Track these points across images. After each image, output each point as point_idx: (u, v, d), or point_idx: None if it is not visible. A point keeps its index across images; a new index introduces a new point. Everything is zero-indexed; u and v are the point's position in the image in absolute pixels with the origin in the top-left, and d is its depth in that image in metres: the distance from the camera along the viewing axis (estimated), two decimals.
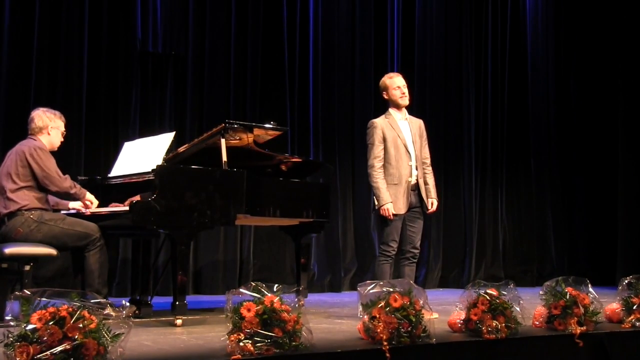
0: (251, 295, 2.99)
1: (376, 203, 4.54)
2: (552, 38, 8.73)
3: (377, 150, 4.60)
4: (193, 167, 4.17)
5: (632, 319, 3.94)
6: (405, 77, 4.82)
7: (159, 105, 6.54)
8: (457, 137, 8.04)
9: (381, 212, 4.50)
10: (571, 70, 8.77)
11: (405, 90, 4.73)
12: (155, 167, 4.00)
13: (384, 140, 4.61)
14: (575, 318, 3.67)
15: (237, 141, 4.54)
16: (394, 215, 4.51)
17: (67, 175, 4.28)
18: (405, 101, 4.73)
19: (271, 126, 4.67)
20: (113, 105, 6.32)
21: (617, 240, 8.01)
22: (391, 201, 4.50)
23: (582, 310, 3.68)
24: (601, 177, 8.57)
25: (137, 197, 4.15)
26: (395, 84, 4.71)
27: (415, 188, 4.64)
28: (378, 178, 4.56)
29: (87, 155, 6.08)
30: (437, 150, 7.48)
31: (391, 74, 4.84)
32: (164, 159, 4.23)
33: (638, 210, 7.91)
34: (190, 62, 6.69)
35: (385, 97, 4.75)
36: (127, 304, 2.84)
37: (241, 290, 3.04)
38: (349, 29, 7.55)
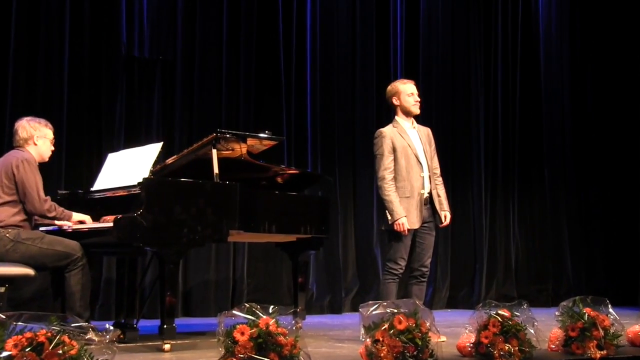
0: (245, 318, 2.99)
1: (389, 218, 4.53)
2: (566, 39, 8.76)
3: (387, 161, 4.60)
4: (182, 179, 4.17)
5: None
6: None
7: (146, 113, 6.54)
8: (465, 146, 8.05)
9: (395, 227, 4.49)
10: (588, 73, 8.79)
11: (418, 99, 4.76)
12: (141, 180, 4.00)
13: (394, 150, 4.62)
14: (595, 341, 3.66)
15: (230, 152, 4.55)
16: (407, 230, 4.52)
17: (47, 197, 4.27)
18: (418, 109, 4.77)
19: (266, 136, 4.68)
20: (96, 113, 6.32)
21: (638, 256, 8.00)
22: (405, 215, 4.50)
23: (601, 332, 3.67)
24: (620, 188, 8.56)
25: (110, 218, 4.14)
26: (409, 89, 4.74)
27: (428, 201, 4.66)
28: (390, 191, 4.55)
29: (68, 168, 6.07)
30: (444, 160, 7.43)
31: (404, 80, 4.87)
32: (151, 172, 4.23)
33: None
34: (179, 67, 6.70)
35: (395, 102, 4.75)
36: (111, 327, 2.84)
37: (234, 312, 3.04)
38: (349, 31, 7.58)
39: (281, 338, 2.95)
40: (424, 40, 7.97)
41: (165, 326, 3.99)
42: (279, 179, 5.08)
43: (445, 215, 4.73)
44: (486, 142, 8.14)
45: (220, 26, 6.91)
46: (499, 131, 8.24)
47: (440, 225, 4.76)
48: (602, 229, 8.62)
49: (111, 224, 3.93)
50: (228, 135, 4.38)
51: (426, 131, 4.85)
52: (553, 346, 3.81)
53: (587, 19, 8.82)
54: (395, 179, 4.59)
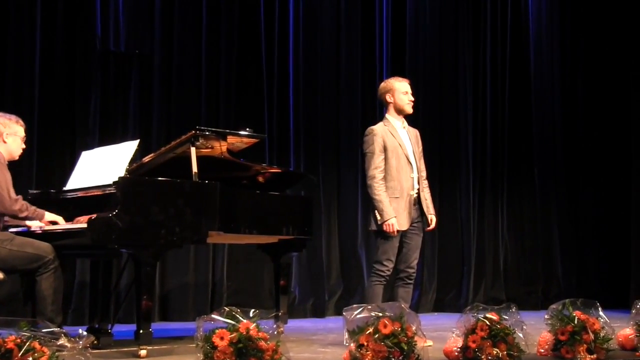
0: (225, 322, 2.99)
1: (378, 218, 4.55)
2: (557, 37, 8.79)
3: (378, 160, 4.63)
4: (160, 179, 4.16)
5: None
6: None
7: (122, 110, 6.50)
8: (453, 145, 8.07)
9: (384, 228, 4.53)
10: (579, 71, 8.83)
11: (412, 98, 4.80)
12: (117, 179, 3.98)
13: (385, 149, 4.65)
14: (585, 345, 3.69)
15: (209, 150, 4.53)
16: (397, 231, 4.54)
17: (19, 196, 4.23)
18: (411, 109, 4.82)
19: (247, 133, 4.67)
20: (69, 110, 6.27)
21: (630, 258, 8.05)
22: (395, 216, 4.53)
23: (591, 336, 3.70)
24: (612, 188, 8.62)
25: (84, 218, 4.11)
26: (404, 88, 4.79)
27: (417, 202, 4.70)
28: (380, 190, 4.58)
29: (39, 166, 6.02)
30: (432, 160, 7.50)
31: (399, 77, 4.91)
32: (127, 170, 4.21)
33: None
34: (157, 62, 6.66)
35: (389, 99, 4.78)
36: (85, 333, 2.82)
37: (213, 316, 3.04)
38: (333, 27, 7.56)
39: (262, 343, 2.94)
40: (411, 38, 7.96)
41: (141, 331, 3.97)
42: (261, 178, 5.08)
43: (432, 219, 4.79)
44: (474, 141, 8.17)
45: (200, 19, 6.88)
46: (487, 131, 8.27)
47: (426, 229, 4.81)
48: (593, 230, 8.68)
49: (85, 225, 3.91)
50: (207, 133, 4.37)
51: (415, 132, 4.90)
52: (542, 350, 3.84)
53: (578, 17, 8.86)
54: (384, 178, 4.62)
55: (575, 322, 3.73)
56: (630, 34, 8.41)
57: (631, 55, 8.37)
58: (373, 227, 4.63)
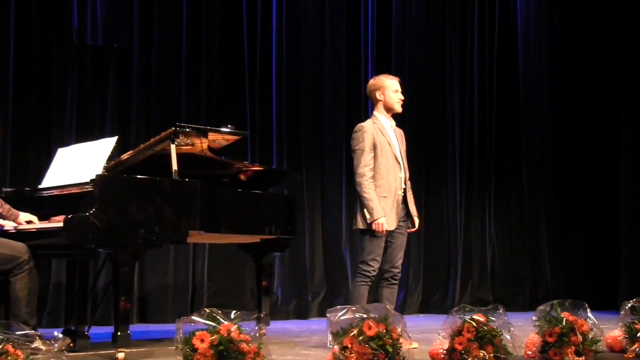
0: (205, 324, 2.98)
1: (367, 216, 4.56)
2: (546, 35, 8.85)
3: (368, 158, 4.64)
4: (139, 176, 4.13)
5: (635, 348, 4.00)
6: None
7: (99, 105, 6.46)
8: (439, 144, 8.10)
9: (374, 227, 4.54)
10: (567, 68, 8.89)
11: (402, 97, 4.83)
12: (94, 177, 3.96)
13: (374, 147, 4.66)
14: (573, 347, 3.72)
15: (190, 147, 4.52)
16: (385, 231, 4.57)
17: None
18: (400, 108, 4.84)
19: (228, 130, 4.67)
20: (45, 105, 6.23)
21: (619, 259, 8.11)
22: (384, 215, 4.54)
23: (580, 338, 3.73)
24: (602, 187, 8.68)
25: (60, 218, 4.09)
26: (395, 86, 4.82)
27: (404, 201, 4.73)
28: (370, 189, 4.59)
29: (13, 163, 5.98)
30: (418, 159, 7.55)
31: (390, 75, 4.94)
32: (105, 168, 4.19)
33: None
34: (136, 56, 6.63)
35: (379, 97, 4.80)
36: (60, 335, 2.81)
37: (193, 317, 3.03)
38: (317, 23, 7.56)
39: (244, 345, 2.94)
40: (397, 37, 7.97)
41: (119, 333, 3.95)
42: (242, 176, 5.08)
43: (414, 221, 4.81)
44: (461, 141, 8.19)
45: (180, 12, 6.85)
46: (474, 129, 8.30)
47: (409, 230, 4.84)
48: (582, 230, 8.74)
49: (61, 224, 3.89)
50: (188, 130, 4.36)
51: (400, 132, 4.93)
52: (530, 352, 3.86)
53: (566, 14, 8.92)
54: (373, 177, 4.63)
55: (563, 323, 3.75)
56: (619, 31, 8.47)
57: (620, 54, 8.43)
58: (360, 225, 4.64)
